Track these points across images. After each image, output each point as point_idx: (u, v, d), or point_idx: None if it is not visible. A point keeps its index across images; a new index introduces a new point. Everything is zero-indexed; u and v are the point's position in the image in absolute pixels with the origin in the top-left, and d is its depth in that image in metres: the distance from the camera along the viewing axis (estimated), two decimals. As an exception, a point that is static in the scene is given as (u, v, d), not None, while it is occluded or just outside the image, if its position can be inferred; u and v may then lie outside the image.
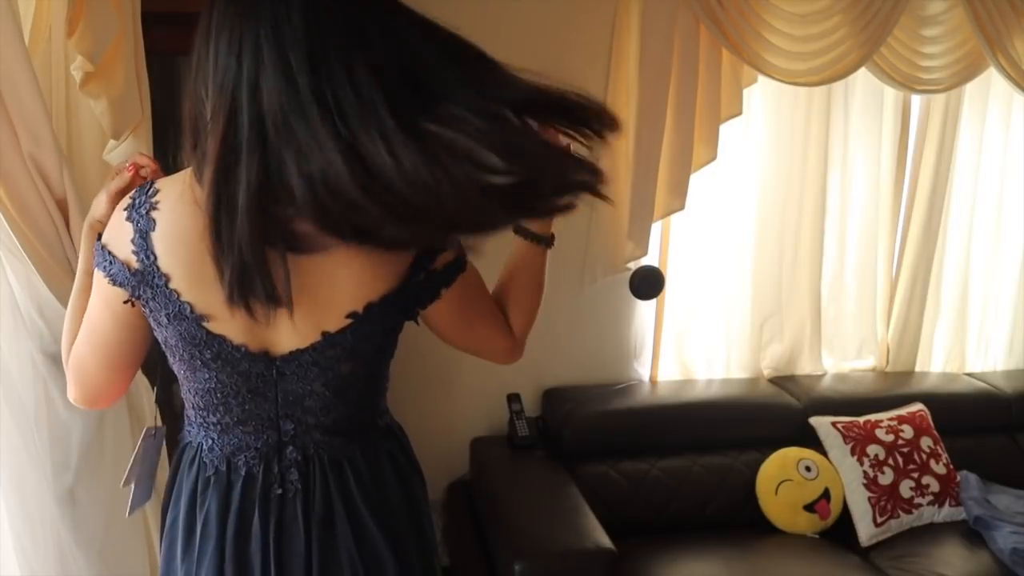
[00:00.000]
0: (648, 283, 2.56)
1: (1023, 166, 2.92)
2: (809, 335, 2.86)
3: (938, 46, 2.65)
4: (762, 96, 2.67)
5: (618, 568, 1.99)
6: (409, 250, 1.05)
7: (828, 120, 2.72)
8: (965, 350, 3.04)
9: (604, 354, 2.72)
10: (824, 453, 2.54)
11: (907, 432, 2.58)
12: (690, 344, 2.81)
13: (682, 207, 2.57)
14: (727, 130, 2.57)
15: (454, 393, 2.64)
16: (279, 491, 1.11)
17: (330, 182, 0.85)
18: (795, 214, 2.76)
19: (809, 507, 2.46)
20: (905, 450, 2.54)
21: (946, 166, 2.83)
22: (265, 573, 1.10)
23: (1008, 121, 2.90)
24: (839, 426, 2.56)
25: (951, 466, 2.59)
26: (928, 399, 2.72)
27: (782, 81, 2.53)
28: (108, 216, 1.06)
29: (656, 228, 2.64)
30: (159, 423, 1.32)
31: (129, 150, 1.62)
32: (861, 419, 2.60)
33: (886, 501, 2.47)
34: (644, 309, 2.74)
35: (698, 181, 2.61)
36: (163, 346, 1.09)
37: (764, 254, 2.77)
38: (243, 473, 1.11)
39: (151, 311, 1.03)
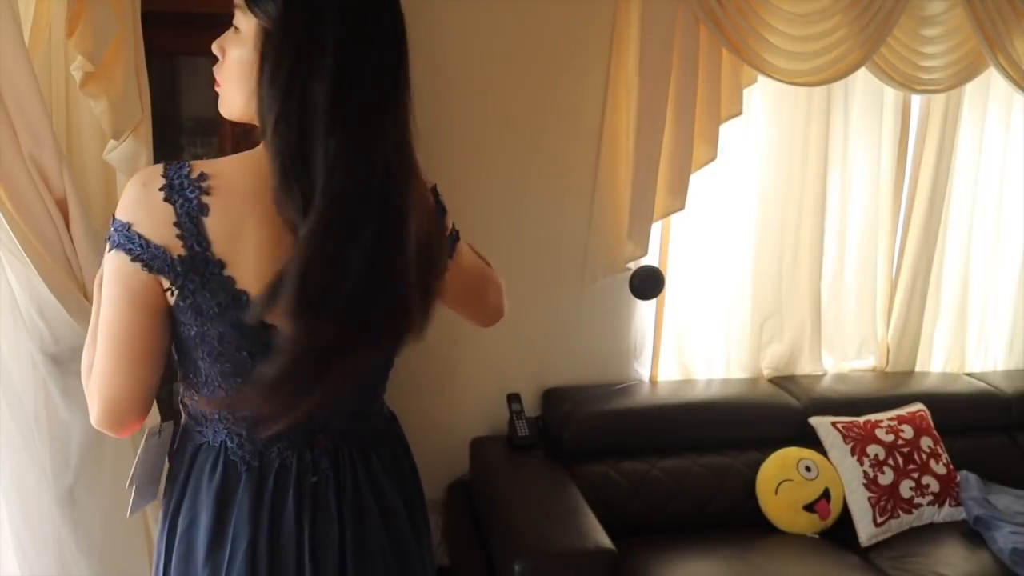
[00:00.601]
0: (648, 283, 2.56)
1: (1023, 166, 2.92)
2: (809, 335, 2.86)
3: (938, 46, 2.65)
4: (762, 96, 2.67)
5: (618, 568, 1.98)
6: None
7: (828, 120, 2.72)
8: (965, 350, 3.04)
9: (604, 354, 2.72)
10: (824, 453, 2.54)
11: (907, 432, 2.58)
12: (690, 344, 2.81)
13: (682, 207, 2.57)
14: (727, 130, 2.57)
15: (454, 393, 2.64)
16: (314, 479, 1.11)
17: None
18: (795, 214, 2.76)
19: (809, 507, 2.45)
20: (905, 450, 2.54)
21: (946, 166, 2.83)
22: (299, 562, 1.10)
23: (1008, 121, 2.89)
24: (839, 426, 2.56)
25: (951, 466, 2.59)
26: (928, 399, 2.72)
27: (782, 81, 2.53)
28: None
29: (656, 228, 2.64)
30: (163, 421, 1.31)
31: (129, 150, 1.62)
32: (861, 419, 2.60)
33: (886, 501, 2.47)
34: (644, 309, 2.73)
35: (698, 181, 2.60)
36: (189, 342, 1.04)
37: (764, 254, 2.77)
38: (276, 465, 1.11)
39: (193, 302, 0.99)
